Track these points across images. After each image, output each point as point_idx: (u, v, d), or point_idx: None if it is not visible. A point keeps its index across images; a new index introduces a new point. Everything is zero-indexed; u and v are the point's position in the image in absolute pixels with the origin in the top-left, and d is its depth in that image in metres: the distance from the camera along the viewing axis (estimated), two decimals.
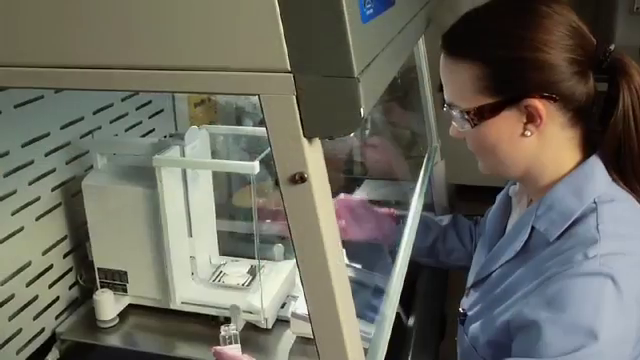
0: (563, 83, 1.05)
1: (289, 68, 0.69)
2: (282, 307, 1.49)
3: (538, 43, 1.04)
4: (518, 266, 1.14)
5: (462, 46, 1.10)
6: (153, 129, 1.78)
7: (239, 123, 1.79)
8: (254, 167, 1.30)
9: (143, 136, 1.71)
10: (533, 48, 1.04)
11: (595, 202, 1.08)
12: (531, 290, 1.06)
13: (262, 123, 0.72)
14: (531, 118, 1.07)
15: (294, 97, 0.69)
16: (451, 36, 1.13)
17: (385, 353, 1.07)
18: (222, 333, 1.27)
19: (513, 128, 1.09)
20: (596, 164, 1.12)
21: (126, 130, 1.66)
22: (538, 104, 1.06)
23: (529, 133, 1.09)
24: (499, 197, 1.37)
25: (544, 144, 1.11)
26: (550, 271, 1.04)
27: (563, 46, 1.05)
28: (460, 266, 1.54)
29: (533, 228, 1.14)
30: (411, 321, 1.54)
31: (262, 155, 1.31)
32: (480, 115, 1.09)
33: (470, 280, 1.32)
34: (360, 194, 1.98)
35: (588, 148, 1.13)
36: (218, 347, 1.22)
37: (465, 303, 1.30)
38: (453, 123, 1.17)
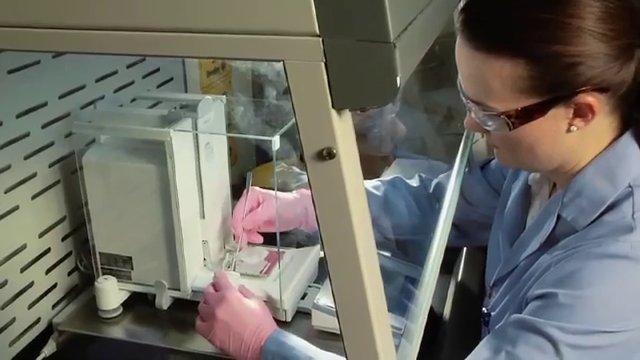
0: (616, 71, 1.04)
1: (317, 31, 0.68)
2: (303, 298, 1.49)
3: (593, 32, 1.02)
4: (542, 256, 1.15)
5: (499, 40, 1.05)
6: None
7: (260, 92, 1.79)
8: (275, 141, 1.29)
9: (151, 107, 1.72)
10: (587, 38, 1.02)
11: (630, 186, 1.08)
12: (548, 267, 1.09)
13: (286, 92, 0.72)
14: (580, 113, 1.06)
15: (322, 64, 0.69)
16: (482, 26, 1.08)
17: (418, 351, 1.07)
18: (226, 259, 1.38)
19: (557, 126, 1.08)
20: (630, 144, 1.11)
21: (132, 100, 1.66)
22: (590, 99, 1.04)
23: (575, 129, 1.08)
24: (515, 186, 1.36)
25: (586, 135, 1.10)
26: (573, 250, 1.07)
27: (618, 32, 1.03)
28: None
29: (559, 217, 1.14)
30: (447, 316, 1.54)
31: (285, 128, 1.31)
32: (523, 117, 1.07)
33: (491, 279, 1.33)
34: (390, 175, 1.97)
35: (624, 129, 1.13)
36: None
37: (488, 303, 1.30)
38: (472, 116, 1.15)
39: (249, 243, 1.58)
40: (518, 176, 1.37)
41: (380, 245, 0.81)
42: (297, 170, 1.74)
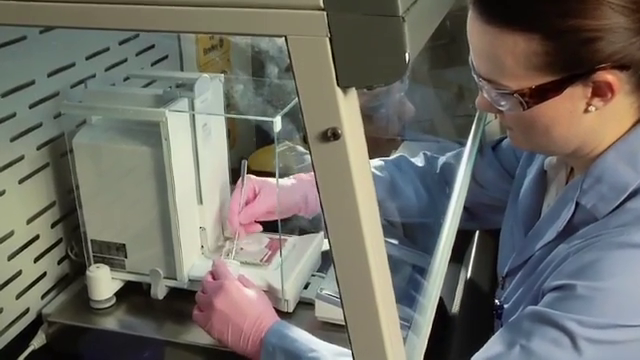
0: (637, 47, 1.03)
1: (322, 5, 0.68)
2: (305, 288, 1.49)
3: (613, 5, 1.01)
4: (560, 245, 1.15)
5: (513, 13, 1.05)
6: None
7: (260, 70, 1.79)
8: (276, 122, 1.29)
9: (145, 86, 1.71)
10: (607, 12, 1.01)
11: None
12: (566, 257, 1.09)
13: (289, 70, 0.72)
14: (598, 92, 1.05)
15: (327, 39, 0.69)
16: None
17: (426, 344, 1.07)
18: (226, 247, 1.41)
19: (574, 106, 1.07)
20: None
21: (125, 79, 1.66)
22: (609, 77, 1.03)
23: (594, 109, 1.07)
24: (531, 171, 1.36)
25: (606, 116, 1.09)
26: (593, 239, 1.07)
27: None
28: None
29: (578, 204, 1.14)
30: (457, 307, 1.54)
31: (287, 108, 1.31)
32: (538, 96, 1.06)
33: (504, 269, 1.33)
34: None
35: None
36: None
37: (501, 295, 1.30)
38: (485, 96, 1.15)
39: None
40: (533, 160, 1.37)
41: (386, 231, 0.81)
42: (301, 149, 1.73)
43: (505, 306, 1.26)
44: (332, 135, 0.71)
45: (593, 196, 1.11)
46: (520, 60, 1.05)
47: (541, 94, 1.06)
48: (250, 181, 1.54)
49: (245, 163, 1.53)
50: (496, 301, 1.30)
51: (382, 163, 1.61)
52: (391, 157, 1.66)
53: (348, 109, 0.72)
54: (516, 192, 1.39)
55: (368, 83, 0.71)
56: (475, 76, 1.13)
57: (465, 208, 1.50)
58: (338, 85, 0.70)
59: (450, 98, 2.07)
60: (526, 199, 1.33)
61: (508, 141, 1.48)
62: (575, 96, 1.06)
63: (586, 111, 1.07)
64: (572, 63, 1.03)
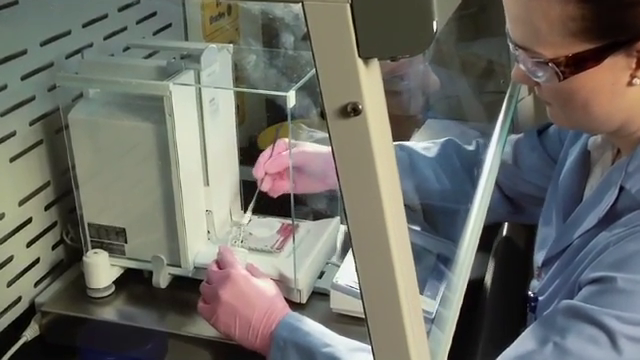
0: None
1: None
2: (320, 277, 1.50)
3: None
4: (600, 233, 1.14)
5: None
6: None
7: (272, 40, 1.78)
8: (290, 97, 1.29)
9: (147, 57, 1.71)
10: None
11: None
12: (606, 247, 1.08)
13: (305, 39, 0.72)
14: None
15: (348, 5, 0.68)
16: None
17: (452, 338, 1.07)
18: (232, 234, 1.41)
19: (616, 78, 1.07)
20: None
21: (125, 49, 1.66)
22: None
23: (639, 82, 1.06)
24: (573, 151, 1.35)
25: None
26: (636, 228, 1.06)
27: None
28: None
29: (622, 189, 1.13)
30: (485, 300, 1.54)
31: (302, 81, 1.30)
32: (575, 65, 1.06)
33: (540, 258, 1.33)
34: (420, 138, 1.97)
35: None
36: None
37: (535, 286, 1.30)
38: (521, 67, 1.14)
39: (268, 199, 1.56)
40: (577, 140, 1.36)
41: (407, 217, 0.81)
42: (318, 134, 1.72)
43: (540, 299, 1.25)
44: (352, 110, 0.71)
45: (639, 180, 1.11)
46: (555, 25, 1.05)
47: (578, 63, 1.06)
48: (283, 141, 1.54)
49: (279, 130, 1.54)
50: (530, 293, 1.30)
51: (431, 144, 1.61)
52: (440, 139, 1.64)
53: (370, 82, 0.71)
54: (557, 175, 1.38)
55: (392, 54, 0.71)
56: (510, 44, 1.13)
57: (509, 199, 1.49)
58: (359, 56, 0.70)
59: (479, 72, 2.07)
60: (567, 182, 1.32)
61: (555, 127, 1.48)
62: (617, 67, 1.05)
63: (630, 84, 1.07)
64: (613, 29, 1.03)
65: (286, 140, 1.53)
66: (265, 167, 1.51)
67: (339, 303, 1.39)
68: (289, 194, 1.47)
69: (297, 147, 1.53)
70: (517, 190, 1.53)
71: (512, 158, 1.54)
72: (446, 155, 1.58)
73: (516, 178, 1.52)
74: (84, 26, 1.55)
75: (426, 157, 1.57)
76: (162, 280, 1.48)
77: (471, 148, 1.61)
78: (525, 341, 1.08)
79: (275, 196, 1.55)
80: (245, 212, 1.52)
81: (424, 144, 1.61)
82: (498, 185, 1.54)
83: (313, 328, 1.23)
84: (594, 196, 1.21)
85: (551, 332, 1.06)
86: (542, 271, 1.30)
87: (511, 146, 1.56)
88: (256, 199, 1.53)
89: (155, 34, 1.79)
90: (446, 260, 1.42)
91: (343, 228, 1.59)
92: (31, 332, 1.44)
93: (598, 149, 1.28)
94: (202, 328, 1.38)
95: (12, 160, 1.42)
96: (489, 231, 1.55)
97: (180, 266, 1.48)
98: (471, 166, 1.58)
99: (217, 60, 1.47)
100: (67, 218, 1.56)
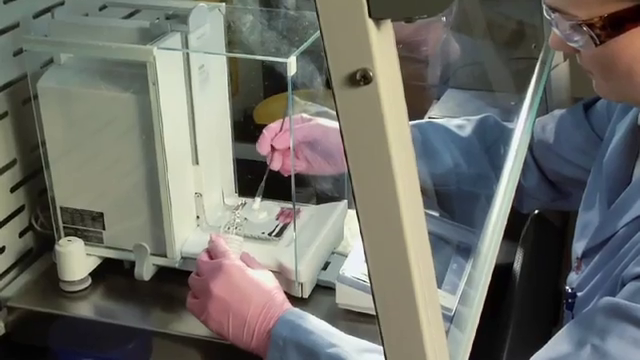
0: None
1: None
2: (324, 268, 1.51)
3: None
4: None
5: None
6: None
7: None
8: (291, 64, 1.29)
9: (127, 17, 1.71)
10: None
11: None
12: None
13: None
14: None
15: None
16: None
17: (473, 337, 1.07)
18: (225, 219, 1.45)
19: None
20: None
21: (101, 8, 1.66)
22: None
23: None
24: (621, 127, 1.35)
25: None
26: None
27: None
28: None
29: None
30: (510, 296, 1.55)
31: (304, 46, 1.30)
32: (611, 27, 1.07)
33: (580, 248, 1.33)
34: (439, 110, 1.97)
35: None
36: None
37: (573, 280, 1.30)
38: (556, 32, 1.15)
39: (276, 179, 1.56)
40: (625, 115, 1.35)
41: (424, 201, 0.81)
42: (322, 109, 1.72)
43: (578, 294, 1.25)
44: (362, 78, 0.71)
45: None
46: None
47: (616, 25, 1.06)
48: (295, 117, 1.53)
49: (293, 98, 1.53)
50: (567, 288, 1.30)
51: (465, 122, 1.61)
52: (477, 116, 1.65)
53: (382, 46, 0.71)
54: (602, 154, 1.38)
55: (407, 14, 0.71)
56: (545, 6, 1.13)
57: (551, 184, 1.49)
58: (370, 16, 0.70)
59: (507, 36, 2.07)
60: (612, 162, 1.32)
61: (603, 101, 1.48)
62: None
63: None
64: None
65: (303, 115, 1.53)
66: (274, 142, 1.51)
67: (346, 298, 1.39)
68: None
69: (312, 120, 1.53)
70: (561, 173, 1.53)
71: (554, 136, 1.54)
72: (483, 133, 1.58)
73: (559, 159, 1.52)
74: None
75: (459, 136, 1.57)
76: (145, 272, 1.48)
77: (513, 127, 1.61)
78: (559, 343, 1.08)
79: (287, 175, 1.54)
80: (251, 197, 1.52)
81: (457, 121, 1.61)
82: (539, 168, 1.54)
83: (316, 326, 1.24)
84: None
85: (589, 333, 1.06)
86: (582, 263, 1.30)
87: (554, 123, 1.56)
88: (265, 180, 1.52)
89: None
90: (467, 250, 1.42)
91: (351, 213, 1.59)
92: None
93: None
94: (191, 326, 1.38)
95: None
96: (517, 215, 1.55)
97: (166, 256, 1.49)
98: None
99: (207, 21, 1.47)
100: (36, 201, 1.57)
